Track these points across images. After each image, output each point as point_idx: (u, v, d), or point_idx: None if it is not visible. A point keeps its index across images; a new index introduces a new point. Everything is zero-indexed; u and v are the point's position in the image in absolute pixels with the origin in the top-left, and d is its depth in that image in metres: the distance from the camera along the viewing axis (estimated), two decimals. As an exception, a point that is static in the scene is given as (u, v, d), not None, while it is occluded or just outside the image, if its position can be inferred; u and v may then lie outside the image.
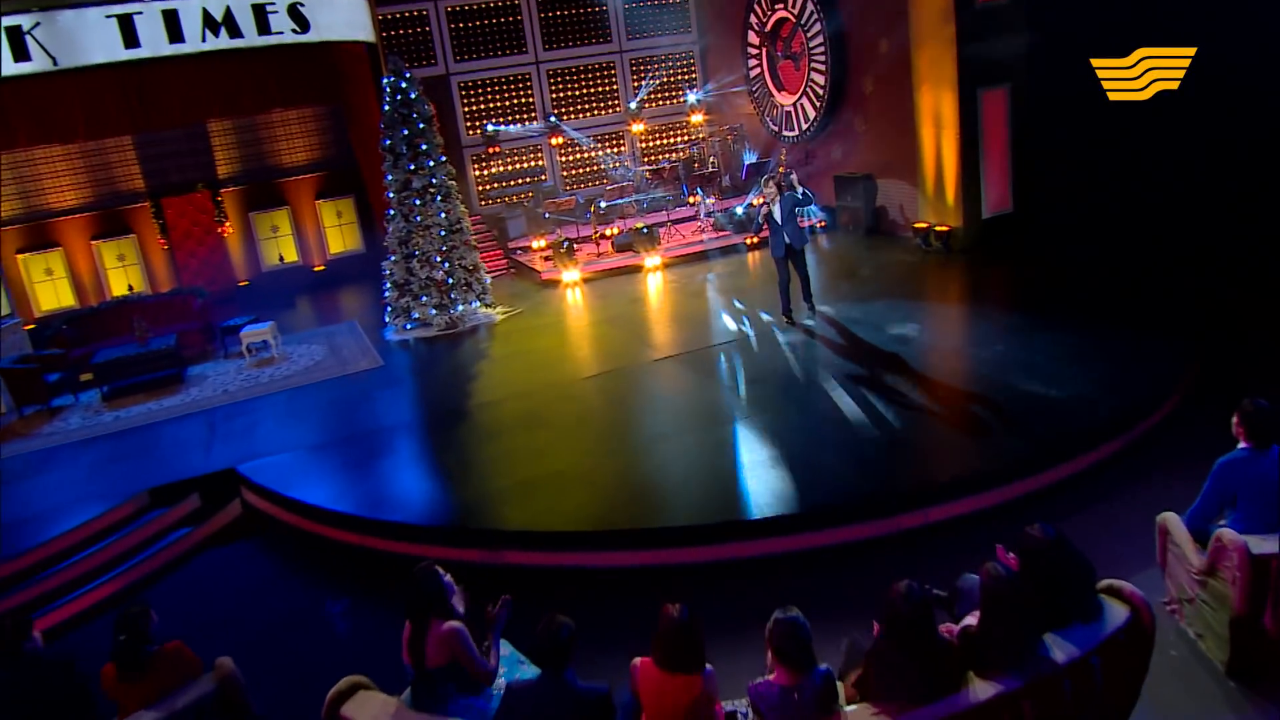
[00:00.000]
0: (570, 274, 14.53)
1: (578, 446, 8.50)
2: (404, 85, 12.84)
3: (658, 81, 18.59)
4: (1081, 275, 11.38)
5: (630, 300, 13.34)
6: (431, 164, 12.98)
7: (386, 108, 12.92)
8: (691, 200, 16.09)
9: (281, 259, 17.69)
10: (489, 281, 13.75)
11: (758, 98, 17.40)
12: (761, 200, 14.58)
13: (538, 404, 9.70)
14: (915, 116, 13.14)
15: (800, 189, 10.46)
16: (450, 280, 13.13)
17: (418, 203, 12.99)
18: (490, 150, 18.02)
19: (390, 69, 12.90)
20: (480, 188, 18.51)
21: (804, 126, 16.24)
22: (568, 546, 6.88)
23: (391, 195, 13.09)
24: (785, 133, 16.73)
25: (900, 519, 6.74)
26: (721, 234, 15.41)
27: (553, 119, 18.42)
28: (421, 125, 12.90)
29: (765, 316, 11.19)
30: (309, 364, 12.38)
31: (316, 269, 17.92)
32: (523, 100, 18.25)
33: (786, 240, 10.22)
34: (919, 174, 13.45)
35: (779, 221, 10.17)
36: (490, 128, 18.03)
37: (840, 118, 15.14)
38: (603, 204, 16.51)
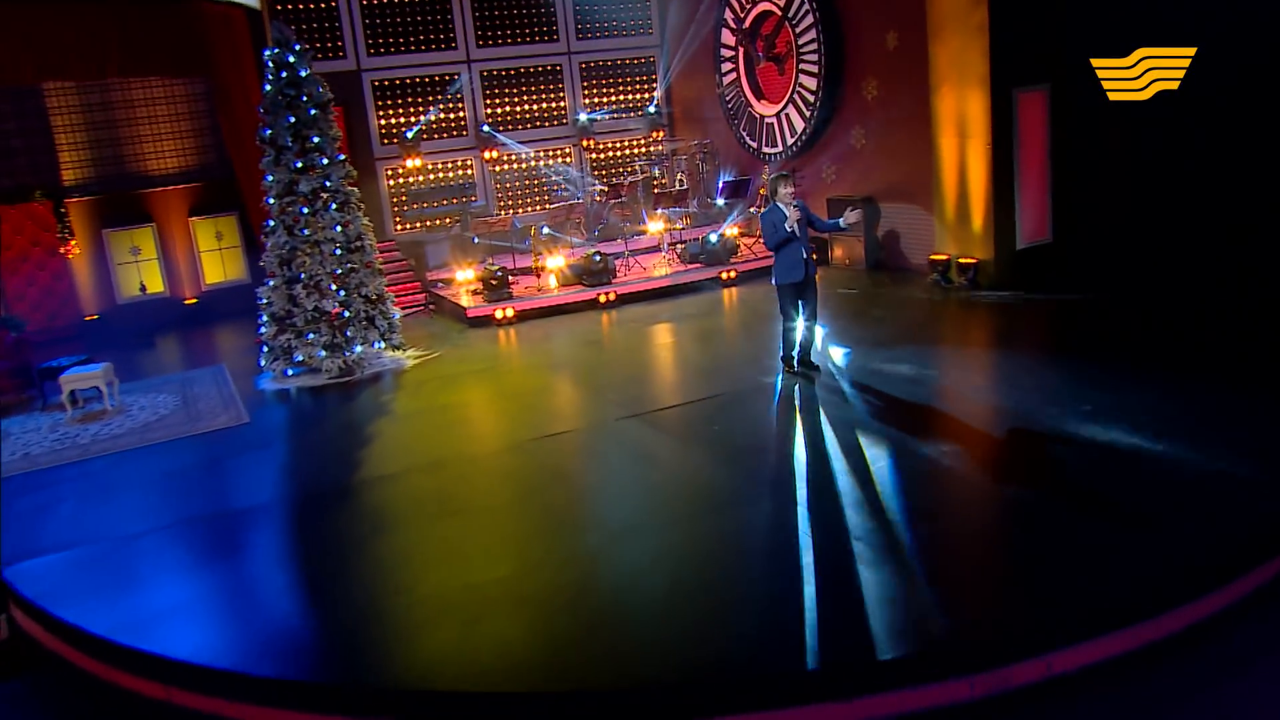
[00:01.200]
0: (503, 311, 12.90)
1: (508, 544, 6.44)
2: (291, 60, 10.66)
3: (611, 106, 17.75)
4: (1153, 316, 10.05)
5: (580, 343, 11.76)
6: (325, 162, 10.82)
7: (268, 87, 10.67)
8: (654, 227, 14.62)
9: (143, 289, 15.43)
10: (398, 317, 11.65)
11: (732, 109, 16.37)
12: (754, 204, 13.87)
13: (453, 479, 7.68)
14: (932, 125, 11.97)
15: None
16: (346, 313, 10.91)
17: (305, 211, 10.75)
18: (409, 159, 16.25)
19: (275, 38, 10.67)
20: (396, 208, 16.84)
21: (789, 141, 14.99)
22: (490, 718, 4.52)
23: (271, 201, 10.84)
24: (766, 149, 15.67)
25: (1010, 671, 4.66)
26: (692, 266, 14.02)
27: (486, 129, 16.82)
28: (313, 112, 10.75)
29: (756, 366, 9.54)
30: (151, 419, 10.05)
31: (188, 301, 15.82)
32: (451, 106, 16.91)
33: (805, 255, 8.52)
34: (937, 195, 12.16)
35: (799, 236, 8.52)
36: (410, 134, 16.34)
37: (835, 129, 14.15)
38: (545, 229, 14.77)
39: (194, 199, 15.82)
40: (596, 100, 17.92)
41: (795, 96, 14.84)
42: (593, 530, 6.56)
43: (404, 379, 11.06)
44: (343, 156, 11.29)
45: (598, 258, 13.55)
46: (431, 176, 16.77)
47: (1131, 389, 8.00)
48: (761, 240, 9.18)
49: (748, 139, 16.10)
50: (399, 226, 16.86)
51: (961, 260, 11.86)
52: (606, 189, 15.43)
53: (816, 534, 5.98)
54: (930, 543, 5.79)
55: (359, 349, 11.20)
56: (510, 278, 13.80)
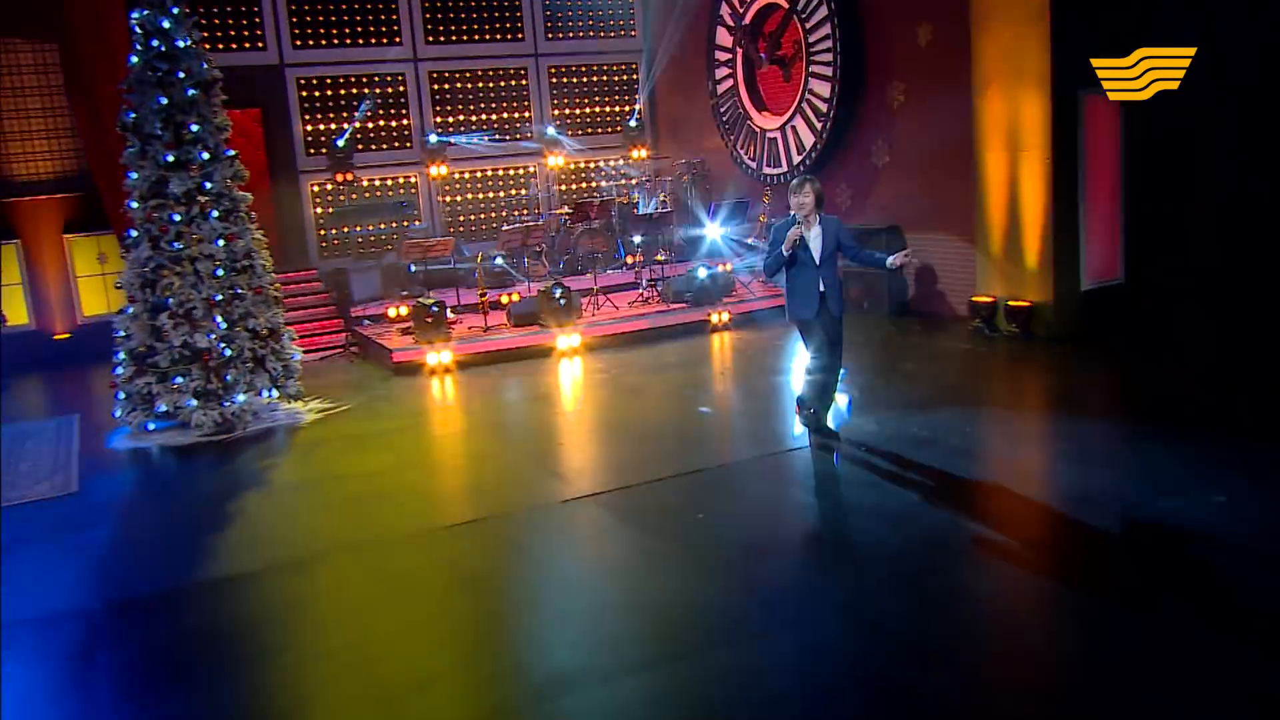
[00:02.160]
0: (438, 355, 11.44)
1: (379, 704, 4.59)
2: (166, 25, 8.91)
3: (585, 118, 16.96)
4: (1254, 375, 8.69)
5: (530, 398, 10.35)
6: (206, 157, 9.19)
7: (134, 59, 8.95)
8: (631, 260, 13.53)
9: (3, 320, 13.56)
10: (298, 359, 10.03)
11: (728, 121, 15.35)
12: (755, 234, 13.06)
13: (325, 587, 5.99)
14: (975, 136, 10.87)
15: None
16: (227, 352, 9.12)
17: (176, 219, 9.05)
18: (340, 178, 14.95)
19: (146, -1, 9.00)
20: (323, 230, 15.54)
21: (796, 159, 13.89)
22: None
23: (134, 205, 9.05)
24: (768, 169, 14.62)
25: None
26: (676, 306, 12.76)
27: (433, 138, 15.49)
28: (192, 93, 9.12)
29: (754, 433, 8.19)
30: (-51, 486, 8.07)
31: (58, 336, 14.18)
32: (393, 112, 15.85)
33: (822, 289, 7.08)
34: (980, 224, 11.01)
35: (815, 261, 7.09)
36: (340, 141, 15.02)
37: (852, 144, 13.11)
38: (498, 259, 13.45)
39: (71, 212, 14.18)
40: (568, 112, 16.93)
41: (804, 105, 13.74)
42: (510, 680, 4.67)
43: (298, 438, 9.43)
44: (232, 153, 9.52)
45: (558, 292, 11.93)
46: (367, 195, 15.60)
47: (1230, 467, 6.36)
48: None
49: (745, 157, 15.08)
50: (328, 253, 15.53)
51: (1011, 304, 10.66)
52: (571, 211, 13.83)
53: (852, 692, 4.08)
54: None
55: (241, 398, 9.41)
56: (451, 315, 12.39)
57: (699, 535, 6.26)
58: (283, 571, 6.26)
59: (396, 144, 15.87)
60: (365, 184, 15.61)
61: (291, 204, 15.11)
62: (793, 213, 7.06)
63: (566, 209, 14.56)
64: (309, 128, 15.33)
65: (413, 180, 16.02)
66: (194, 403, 9.37)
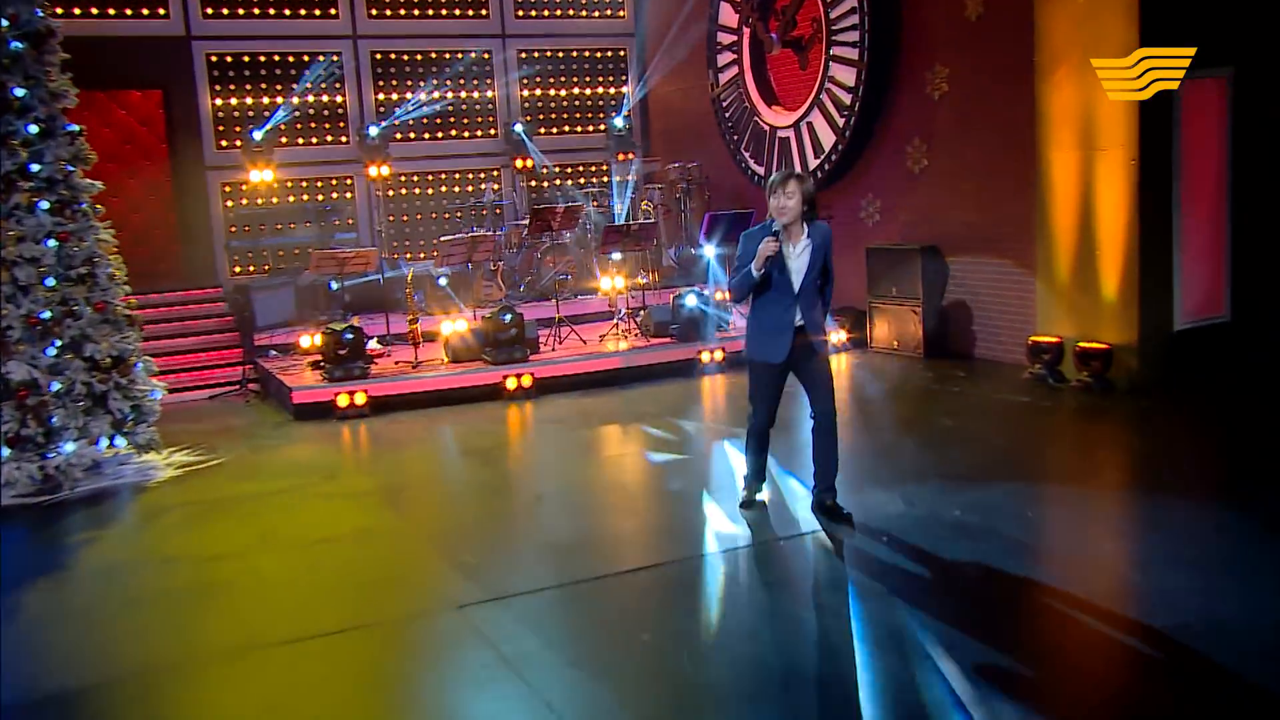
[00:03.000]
0: (350, 396, 10.53)
1: None
2: (-17, -41, 7.58)
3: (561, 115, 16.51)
4: None
5: (459, 454, 9.39)
6: (33, 130, 7.99)
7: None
8: (608, 283, 12.54)
9: None
10: (158, 396, 8.92)
11: (731, 118, 14.64)
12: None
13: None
14: (1038, 132, 10.06)
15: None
16: (54, 385, 7.85)
17: None
18: (255, 168, 14.05)
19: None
20: (234, 231, 14.76)
21: (813, 163, 13.04)
22: None
23: (-66, 193, 7.75)
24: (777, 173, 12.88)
25: None
26: (658, 341, 11.94)
27: (375, 130, 14.70)
28: (16, 46, 8.00)
29: (744, 512, 6.94)
30: None
31: None
32: (326, 100, 15.11)
33: (799, 321, 6.24)
34: (1043, 244, 10.22)
35: (794, 287, 6.20)
36: (259, 133, 14.12)
37: (881, 144, 12.41)
38: (440, 276, 12.53)
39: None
40: (540, 106, 16.30)
41: (823, 97, 12.89)
42: None
43: (140, 503, 8.13)
44: (74, 128, 8.34)
45: (507, 319, 11.02)
46: (291, 199, 14.77)
47: None
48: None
49: (751, 162, 14.30)
50: (237, 268, 14.64)
51: (1083, 346, 9.77)
52: (529, 220, 12.87)
53: None
54: None
55: (71, 447, 8.15)
56: (376, 345, 11.57)
57: (640, 667, 4.89)
58: (50, 706, 4.82)
59: (330, 138, 15.10)
60: (290, 184, 14.76)
61: (197, 207, 14.28)
62: (770, 218, 6.10)
63: (525, 221, 13.66)
64: (221, 114, 14.61)
65: (348, 181, 15.28)
66: (7, 452, 7.98)
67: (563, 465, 8.75)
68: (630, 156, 15.92)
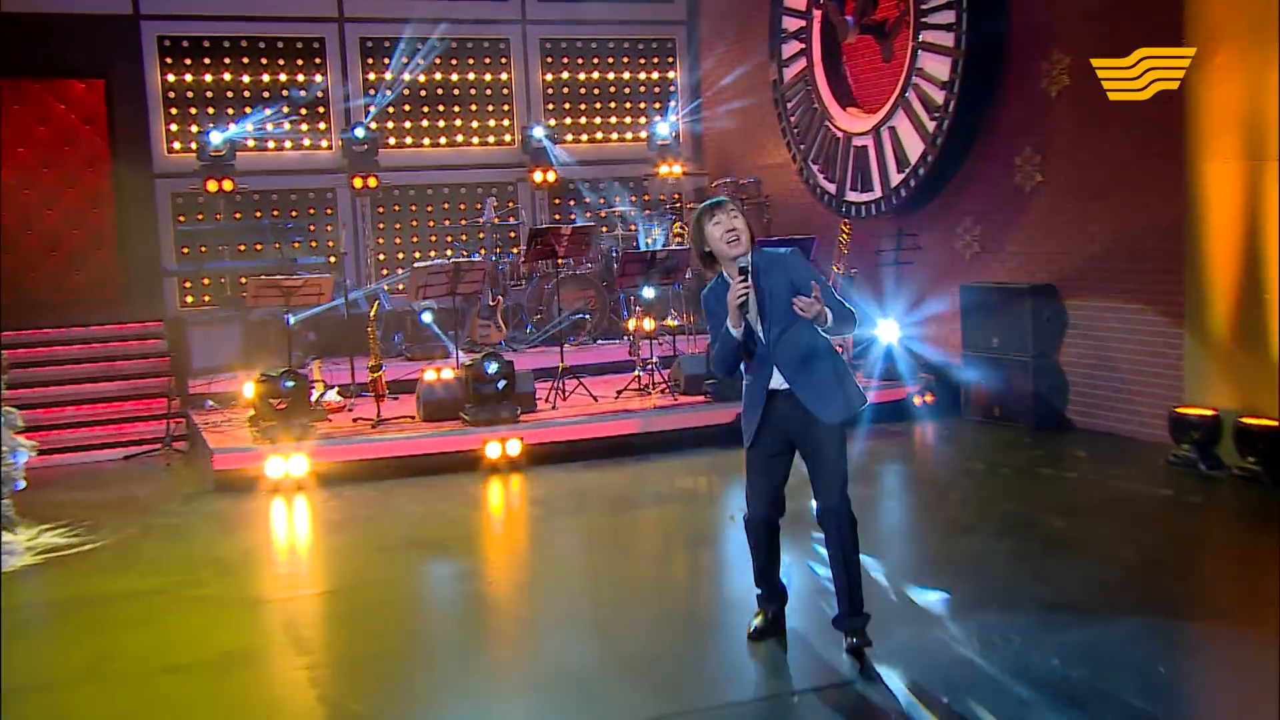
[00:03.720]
0: (286, 462, 10.06)
1: None
2: None
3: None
4: None
5: (409, 546, 8.67)
6: None
7: None
8: (632, 329, 12.32)
9: None
10: (23, 461, 8.39)
11: (797, 123, 14.48)
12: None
13: None
14: (1188, 137, 9.77)
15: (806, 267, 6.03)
16: None
17: None
18: (212, 186, 13.82)
19: None
20: (185, 260, 14.65)
21: (896, 179, 12.76)
22: None
23: None
24: (852, 195, 13.79)
25: None
26: (691, 400, 11.63)
27: (361, 133, 14.51)
28: None
29: (784, 641, 6.33)
30: None
31: None
32: (304, 93, 15.09)
33: (775, 384, 5.90)
34: (1193, 284, 9.92)
35: (762, 335, 5.90)
36: (220, 137, 13.89)
37: (983, 155, 12.22)
38: (425, 313, 12.37)
39: None
40: (568, 108, 16.13)
41: (909, 96, 12.50)
42: None
43: None
44: None
45: (493, 368, 10.49)
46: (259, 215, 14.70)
47: None
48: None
49: (820, 177, 14.06)
50: (190, 297, 14.52)
51: (1246, 422, 9.20)
52: (527, 244, 12.60)
53: None
54: None
55: None
56: (336, 398, 11.39)
57: None
58: None
59: (307, 143, 14.98)
60: (259, 197, 14.67)
61: (142, 222, 14.12)
62: (736, 260, 5.76)
63: (527, 244, 13.08)
64: (174, 110, 14.51)
65: (328, 195, 15.12)
66: None
67: (533, 568, 8.26)
68: (676, 164, 15.74)
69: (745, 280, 5.49)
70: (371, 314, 11.20)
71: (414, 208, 15.41)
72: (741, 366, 5.86)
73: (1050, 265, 11.32)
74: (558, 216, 15.79)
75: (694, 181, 15.71)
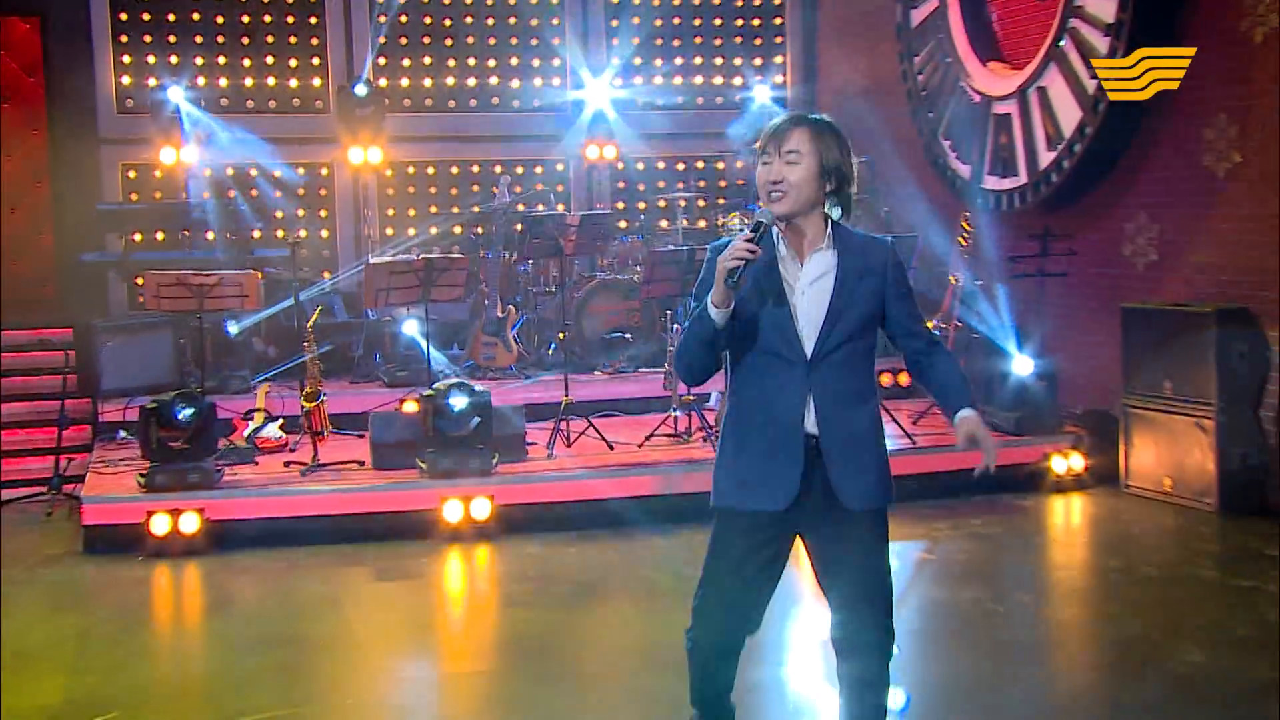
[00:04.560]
0: (175, 520, 9.65)
1: None
2: None
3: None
4: None
5: (283, 647, 8.13)
6: None
7: None
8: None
9: None
10: None
11: (926, 86, 14.31)
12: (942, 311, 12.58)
13: None
14: None
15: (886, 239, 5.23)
16: None
17: None
18: (165, 143, 13.63)
19: None
20: (134, 249, 14.23)
21: (1047, 160, 12.29)
22: None
23: None
24: (992, 179, 13.33)
25: None
26: None
27: (362, 89, 14.09)
28: None
29: None
30: None
31: None
32: (297, 43, 14.97)
33: (814, 429, 5.01)
34: None
35: (802, 343, 4.93)
36: (177, 90, 13.71)
37: (1160, 125, 11.54)
38: (407, 322, 12.33)
39: None
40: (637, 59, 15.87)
41: (1065, 45, 11.99)
42: None
43: None
44: None
45: (459, 403, 9.95)
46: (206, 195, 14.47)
47: None
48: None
49: (950, 155, 13.73)
50: (141, 296, 13.91)
51: None
52: (525, 236, 12.36)
53: None
54: None
55: None
56: (282, 436, 11.17)
57: None
58: None
59: (297, 102, 14.88)
60: (234, 174, 14.52)
61: (84, 201, 13.83)
62: (754, 212, 5.93)
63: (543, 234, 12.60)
64: (125, 58, 14.35)
65: (322, 170, 14.96)
66: None
67: (508, 684, 7.53)
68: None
69: (754, 242, 4.53)
70: (310, 323, 10.78)
71: (433, 190, 15.29)
72: (732, 379, 4.94)
73: (1247, 281, 10.50)
74: (621, 204, 15.47)
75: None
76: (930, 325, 11.06)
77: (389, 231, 15.06)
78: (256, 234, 14.51)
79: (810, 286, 4.63)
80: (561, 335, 12.80)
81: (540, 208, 13.99)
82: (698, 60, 16.13)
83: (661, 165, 15.82)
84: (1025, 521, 10.25)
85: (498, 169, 15.29)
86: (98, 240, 14.06)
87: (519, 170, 15.54)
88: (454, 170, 15.29)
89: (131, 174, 14.35)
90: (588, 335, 12.88)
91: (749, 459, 4.79)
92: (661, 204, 15.33)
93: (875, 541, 4.79)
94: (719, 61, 16.25)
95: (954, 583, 8.77)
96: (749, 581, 4.90)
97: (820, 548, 4.83)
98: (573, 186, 15.61)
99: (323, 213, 14.96)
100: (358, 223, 14.97)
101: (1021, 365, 10.95)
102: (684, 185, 15.47)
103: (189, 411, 9.70)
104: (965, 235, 12.07)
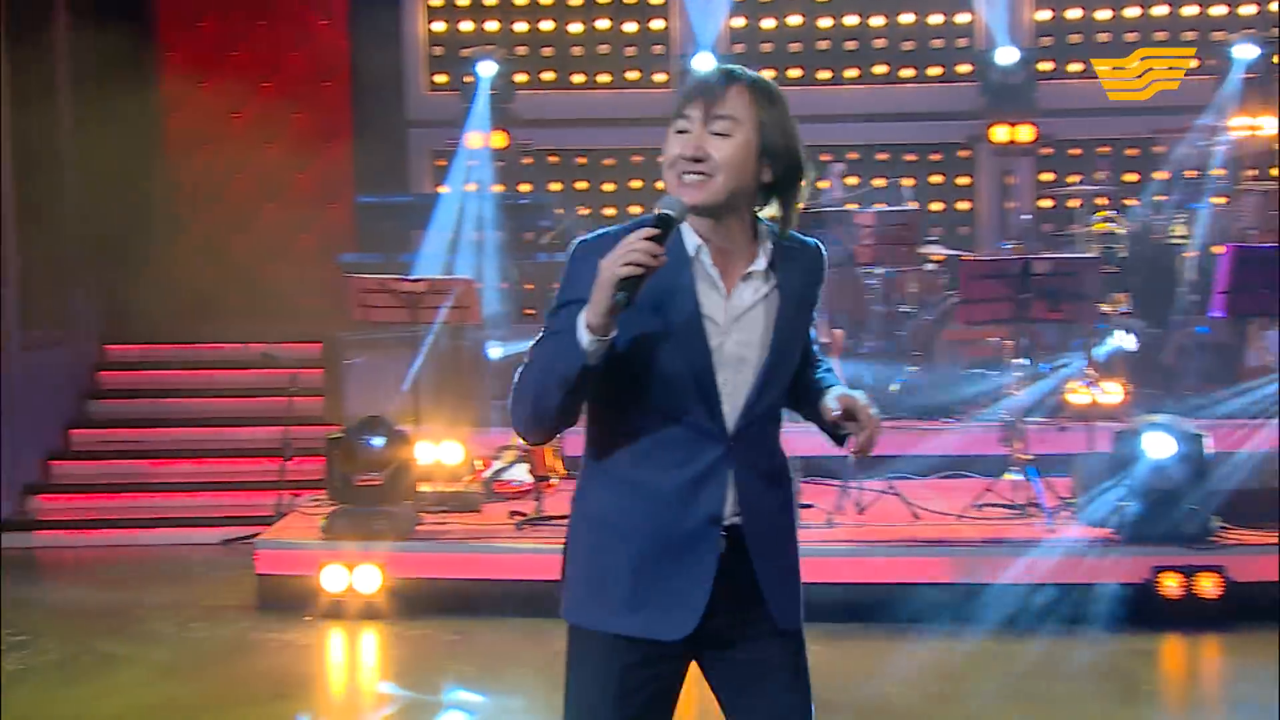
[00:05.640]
0: (351, 575, 9.78)
1: None
2: None
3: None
4: None
5: None
6: None
7: None
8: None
9: None
10: None
11: None
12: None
13: None
14: None
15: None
16: None
17: None
18: (475, 141, 14.43)
19: None
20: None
21: None
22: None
23: None
24: None
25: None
26: (1080, 534, 10.34)
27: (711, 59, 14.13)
28: None
29: None
30: None
31: None
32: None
33: (731, 511, 3.99)
34: None
35: (717, 392, 3.91)
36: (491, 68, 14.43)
37: None
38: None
39: None
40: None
41: None
42: None
43: None
44: None
45: (374, 440, 10.32)
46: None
47: None
48: None
49: None
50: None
51: None
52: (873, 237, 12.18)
53: None
54: None
55: None
56: (531, 481, 10.94)
57: None
58: None
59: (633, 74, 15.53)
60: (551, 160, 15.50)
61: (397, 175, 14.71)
62: (662, 202, 3.96)
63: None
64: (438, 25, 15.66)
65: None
66: None
67: None
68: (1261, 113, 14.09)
69: (656, 240, 3.68)
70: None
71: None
72: (596, 442, 4.07)
73: None
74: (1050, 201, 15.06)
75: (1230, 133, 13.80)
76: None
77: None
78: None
79: (736, 324, 3.86)
80: (915, 366, 12.38)
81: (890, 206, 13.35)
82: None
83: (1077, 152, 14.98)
84: (1138, 670, 8.83)
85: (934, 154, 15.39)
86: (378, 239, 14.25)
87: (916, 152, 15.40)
88: (630, 159, 15.16)
89: (439, 162, 14.87)
90: (939, 369, 12.29)
91: (634, 563, 3.97)
92: (1076, 204, 13.92)
93: (803, 672, 4.15)
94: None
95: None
96: None
97: (731, 678, 4.15)
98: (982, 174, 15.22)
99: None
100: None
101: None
102: (1106, 177, 13.79)
103: (380, 440, 9.70)
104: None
